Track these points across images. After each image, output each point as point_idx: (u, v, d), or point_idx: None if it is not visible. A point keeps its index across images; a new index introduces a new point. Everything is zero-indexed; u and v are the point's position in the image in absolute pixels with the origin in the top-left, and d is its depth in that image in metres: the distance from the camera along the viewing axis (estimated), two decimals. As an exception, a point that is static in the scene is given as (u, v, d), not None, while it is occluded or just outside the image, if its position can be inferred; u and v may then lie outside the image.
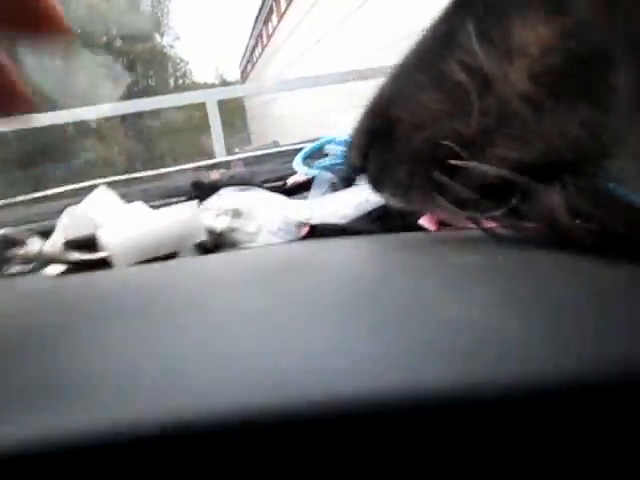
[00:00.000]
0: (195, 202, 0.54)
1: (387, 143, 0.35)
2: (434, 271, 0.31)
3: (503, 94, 0.29)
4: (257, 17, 13.69)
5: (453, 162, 0.31)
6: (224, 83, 18.85)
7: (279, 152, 0.95)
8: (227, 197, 0.57)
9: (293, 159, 0.71)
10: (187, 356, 0.21)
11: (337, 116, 5.93)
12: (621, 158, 0.28)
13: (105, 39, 14.84)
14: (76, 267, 0.49)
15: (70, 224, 0.50)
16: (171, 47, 16.87)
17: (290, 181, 0.66)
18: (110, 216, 0.54)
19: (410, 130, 0.34)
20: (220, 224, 0.55)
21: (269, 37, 12.41)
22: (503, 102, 0.29)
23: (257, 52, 15.00)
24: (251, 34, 15.40)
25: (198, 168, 0.84)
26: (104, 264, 0.48)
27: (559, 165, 0.29)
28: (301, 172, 0.64)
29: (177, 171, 0.94)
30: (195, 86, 17.30)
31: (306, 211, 0.50)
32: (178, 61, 17.12)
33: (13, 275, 0.46)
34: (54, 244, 0.48)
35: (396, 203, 0.38)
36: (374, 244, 0.45)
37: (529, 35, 0.28)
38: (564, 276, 0.27)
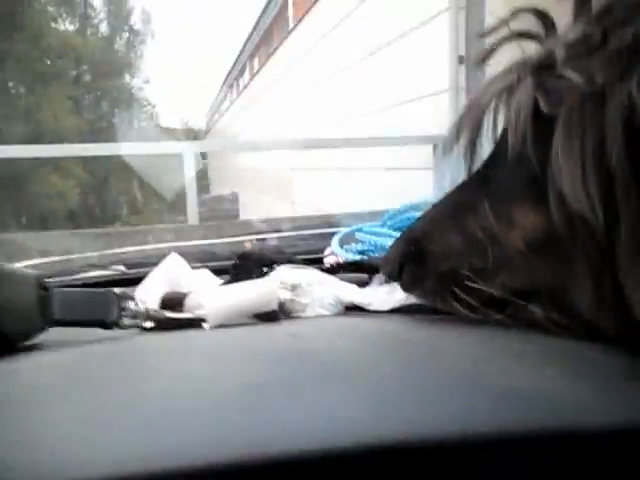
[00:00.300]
0: (273, 278, 0.63)
1: (419, 264, 0.53)
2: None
3: (506, 248, 0.48)
4: (230, 71, 14.13)
5: (470, 284, 0.49)
6: (189, 131, 19.07)
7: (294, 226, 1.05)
8: (285, 272, 0.68)
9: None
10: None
11: (298, 175, 6.16)
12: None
13: (75, 73, 14.85)
14: (165, 323, 0.57)
15: (162, 283, 0.60)
16: (140, 89, 17.02)
17: (329, 261, 0.77)
18: (192, 281, 0.64)
19: (438, 259, 0.52)
20: (282, 295, 0.65)
21: (239, 92, 12.78)
22: (505, 252, 0.48)
23: (226, 105, 15.37)
24: (222, 87, 15.83)
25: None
26: (191, 323, 0.57)
27: (540, 291, 0.48)
28: (340, 255, 0.76)
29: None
30: (159, 130, 17.39)
31: (362, 297, 0.62)
32: (145, 103, 17.25)
33: (128, 327, 0.54)
34: (152, 301, 0.57)
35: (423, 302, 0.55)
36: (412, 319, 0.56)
37: (524, 217, 0.47)
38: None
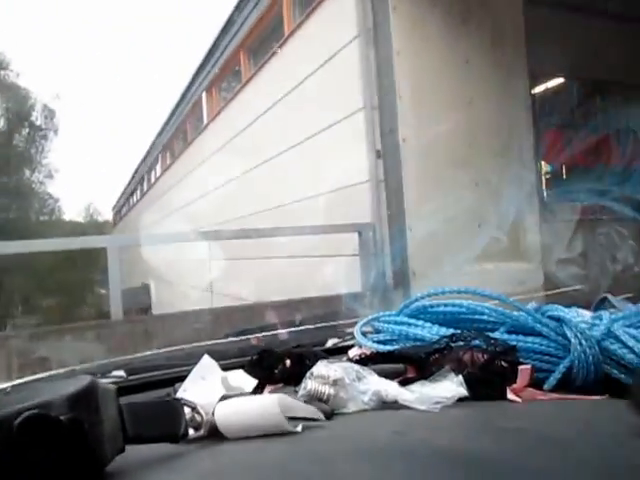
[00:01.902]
0: (277, 399, 0.55)
1: None
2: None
3: None
4: (140, 165, 14.05)
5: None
6: (95, 224, 18.43)
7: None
8: (324, 368, 0.67)
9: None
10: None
11: (217, 265, 6.09)
12: None
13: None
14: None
15: (215, 388, 0.57)
16: (41, 183, 16.39)
17: (354, 353, 0.77)
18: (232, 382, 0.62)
19: None
20: (327, 391, 0.64)
21: (150, 185, 12.68)
22: None
23: (135, 198, 15.13)
24: (131, 180, 15.64)
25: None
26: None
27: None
28: (365, 346, 0.76)
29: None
30: (61, 224, 16.69)
31: (403, 393, 0.62)
32: (46, 197, 16.56)
33: (194, 440, 0.50)
34: (207, 410, 0.54)
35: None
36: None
37: None
38: None
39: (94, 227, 18.17)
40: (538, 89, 3.67)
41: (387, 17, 3.21)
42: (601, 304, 0.95)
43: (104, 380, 0.80)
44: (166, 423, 0.48)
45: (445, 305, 0.79)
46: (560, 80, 3.73)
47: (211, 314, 3.16)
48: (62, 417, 0.36)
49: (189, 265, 6.66)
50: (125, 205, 16.84)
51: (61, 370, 0.77)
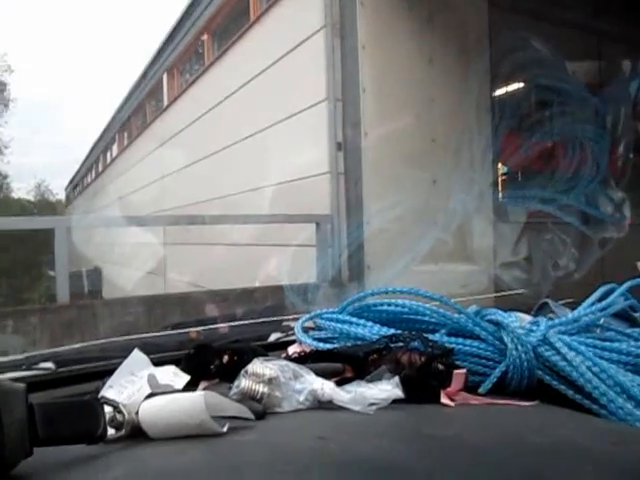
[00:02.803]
0: (204, 397, 0.52)
1: None
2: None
3: None
4: (95, 144, 13.61)
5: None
6: (46, 203, 17.78)
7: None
8: (259, 365, 0.65)
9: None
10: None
11: (172, 250, 5.99)
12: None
13: None
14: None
15: (141, 385, 0.54)
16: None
17: (294, 349, 0.75)
18: (162, 379, 0.59)
19: None
20: (261, 390, 0.62)
21: (106, 166, 12.32)
22: None
23: (90, 177, 14.67)
24: (85, 160, 15.14)
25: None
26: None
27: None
28: (305, 343, 0.75)
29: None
30: (9, 202, 16.06)
31: (338, 394, 0.61)
32: (-6, 173, 15.86)
33: (114, 440, 0.47)
34: (130, 410, 0.51)
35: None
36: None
37: None
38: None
39: (45, 207, 17.51)
40: (498, 92, 3.74)
41: (354, 10, 3.20)
42: (541, 309, 0.97)
43: (30, 373, 0.76)
44: (82, 423, 0.46)
45: (388, 304, 0.79)
46: (520, 85, 3.80)
47: (160, 300, 3.09)
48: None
49: (141, 249, 6.52)
50: (79, 185, 16.32)
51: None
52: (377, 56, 3.23)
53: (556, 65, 3.57)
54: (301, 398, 0.65)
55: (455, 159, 3.26)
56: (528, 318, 0.85)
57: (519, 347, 0.70)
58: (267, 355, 0.74)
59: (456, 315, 0.75)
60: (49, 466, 0.42)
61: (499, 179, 3.77)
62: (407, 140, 3.25)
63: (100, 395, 0.52)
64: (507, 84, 3.67)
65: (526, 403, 0.63)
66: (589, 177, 3.43)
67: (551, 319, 0.80)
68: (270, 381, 0.64)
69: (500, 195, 3.67)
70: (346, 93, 3.35)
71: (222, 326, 0.90)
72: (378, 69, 3.23)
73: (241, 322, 0.93)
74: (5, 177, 16.35)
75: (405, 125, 3.26)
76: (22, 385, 0.42)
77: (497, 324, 0.74)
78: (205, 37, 6.05)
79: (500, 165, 3.75)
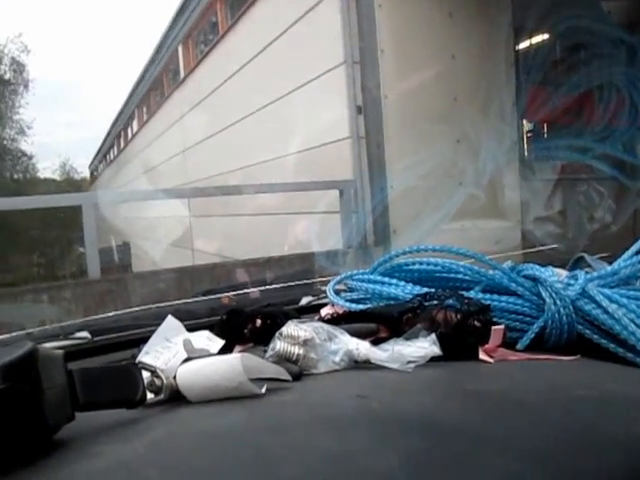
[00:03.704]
0: (240, 359, 0.52)
1: None
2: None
3: None
4: (116, 121, 13.66)
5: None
6: (71, 182, 18.03)
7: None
8: (294, 328, 0.65)
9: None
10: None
11: (198, 222, 6.04)
12: None
13: None
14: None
15: (178, 350, 0.54)
16: (13, 140, 15.83)
17: (325, 312, 0.75)
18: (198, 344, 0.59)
19: None
20: (296, 352, 0.62)
21: (127, 141, 12.38)
22: None
23: (112, 154, 14.78)
24: (107, 136, 15.22)
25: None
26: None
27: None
28: (337, 304, 0.74)
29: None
30: (36, 182, 16.30)
31: (377, 354, 0.60)
32: (19, 155, 16.06)
33: (152, 405, 0.48)
34: (168, 374, 0.51)
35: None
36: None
37: None
38: None
39: (71, 185, 17.72)
40: (523, 42, 3.59)
41: (369, -33, 3.09)
42: (577, 263, 0.94)
43: (67, 342, 0.77)
44: (122, 388, 0.46)
45: (420, 263, 0.77)
46: (548, 30, 3.64)
47: (189, 272, 3.13)
48: (-5, 388, 0.33)
49: (168, 223, 6.58)
50: (103, 162, 16.47)
51: (14, 334, 0.74)
52: (394, 14, 3.13)
53: (590, 4, 3.38)
54: (337, 359, 0.64)
55: (479, 116, 3.17)
56: (564, 273, 0.83)
57: (558, 301, 0.68)
58: (300, 318, 0.73)
59: (491, 271, 0.73)
60: (91, 430, 0.43)
61: (525, 134, 3.66)
62: (428, 100, 3.17)
63: (137, 361, 0.52)
64: (533, 31, 3.51)
65: (567, 358, 0.61)
66: (627, 123, 3.29)
67: (589, 273, 0.77)
68: (305, 343, 0.64)
69: (528, 150, 3.57)
70: (364, 55, 3.27)
71: (253, 291, 0.90)
72: (396, 28, 3.14)
73: (272, 286, 0.93)
74: (30, 157, 16.54)
75: (426, 84, 3.17)
76: (60, 351, 0.42)
77: (534, 279, 0.72)
78: (218, 5, 5.94)
79: (527, 120, 3.64)
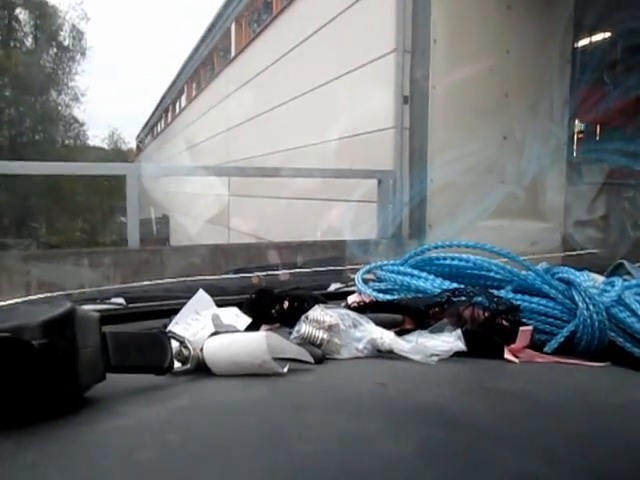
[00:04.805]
0: (265, 337, 0.53)
1: None
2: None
3: None
4: (165, 95, 13.89)
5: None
6: (118, 152, 18.45)
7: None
8: (320, 312, 0.66)
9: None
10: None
11: (235, 202, 6.11)
12: None
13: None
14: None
15: (205, 323, 0.56)
16: (67, 107, 16.29)
17: (352, 299, 0.75)
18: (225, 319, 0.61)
19: None
20: (321, 336, 0.63)
21: (175, 116, 12.58)
22: None
23: (159, 127, 15.05)
24: (155, 109, 15.51)
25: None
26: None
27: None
28: (365, 293, 0.74)
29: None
30: (85, 150, 16.73)
31: (400, 344, 0.60)
32: (72, 121, 16.52)
33: (179, 374, 0.50)
34: (195, 346, 0.53)
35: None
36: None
37: None
38: None
39: (117, 155, 18.15)
40: (581, 42, 3.47)
41: (427, -45, 3.03)
42: (616, 270, 0.92)
43: (103, 306, 0.80)
44: (151, 355, 0.48)
45: (452, 259, 0.77)
46: (606, 34, 3.51)
47: (224, 249, 3.18)
48: (34, 342, 0.35)
49: (208, 200, 6.68)
50: (150, 134, 16.79)
51: (55, 294, 0.77)
52: (450, 4, 3.07)
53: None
54: (360, 346, 0.65)
55: (529, 114, 3.09)
56: (601, 279, 0.81)
57: (591, 307, 0.66)
58: (327, 303, 0.74)
59: (524, 272, 0.72)
60: (119, 392, 0.45)
61: (576, 136, 3.55)
62: (477, 94, 3.10)
63: (167, 330, 0.54)
64: (594, 29, 3.38)
65: (596, 364, 0.60)
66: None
67: (627, 280, 0.75)
68: (330, 328, 0.65)
69: (577, 152, 3.46)
70: (416, 44, 3.21)
71: (283, 272, 0.92)
72: (451, 18, 3.07)
73: (302, 270, 0.94)
74: (82, 125, 16.99)
75: (476, 78, 3.10)
76: (96, 314, 0.44)
77: (568, 283, 0.71)
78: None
79: (578, 121, 3.52)
